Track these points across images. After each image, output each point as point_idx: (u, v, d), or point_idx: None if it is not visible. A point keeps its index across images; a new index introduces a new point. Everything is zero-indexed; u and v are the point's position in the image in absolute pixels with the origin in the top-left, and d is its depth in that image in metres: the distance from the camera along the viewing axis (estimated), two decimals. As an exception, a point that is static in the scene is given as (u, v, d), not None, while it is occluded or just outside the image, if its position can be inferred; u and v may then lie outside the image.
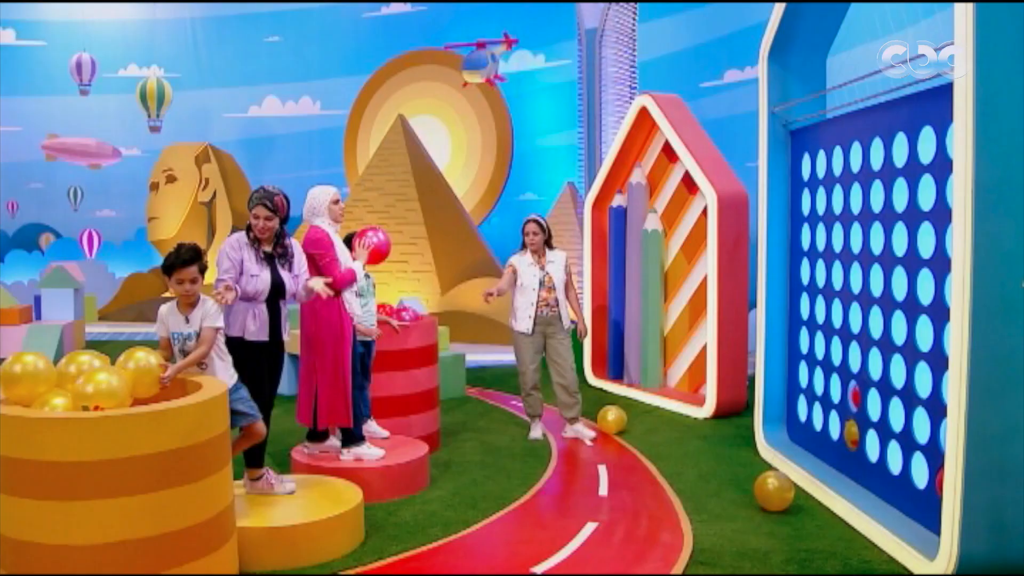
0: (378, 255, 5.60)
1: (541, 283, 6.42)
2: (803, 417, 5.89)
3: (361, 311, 5.47)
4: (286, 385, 6.81)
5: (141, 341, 13.11)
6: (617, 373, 8.69)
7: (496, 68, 10.35)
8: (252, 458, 4.63)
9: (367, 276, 5.72)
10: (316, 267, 5.06)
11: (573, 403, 6.55)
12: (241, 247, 4.57)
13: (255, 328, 4.56)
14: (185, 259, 4.15)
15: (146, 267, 17.14)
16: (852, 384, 5.09)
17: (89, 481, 3.26)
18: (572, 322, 6.68)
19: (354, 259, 5.27)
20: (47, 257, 17.56)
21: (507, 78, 11.77)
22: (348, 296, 5.16)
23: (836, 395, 5.34)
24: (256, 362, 4.59)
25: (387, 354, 5.95)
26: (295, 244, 4.85)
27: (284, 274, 4.69)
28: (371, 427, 5.68)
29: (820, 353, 5.60)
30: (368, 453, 5.24)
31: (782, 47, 5.83)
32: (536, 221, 6.51)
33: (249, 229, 4.65)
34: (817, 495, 5.08)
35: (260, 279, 4.56)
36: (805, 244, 5.82)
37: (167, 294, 15.94)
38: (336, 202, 5.28)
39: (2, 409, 3.43)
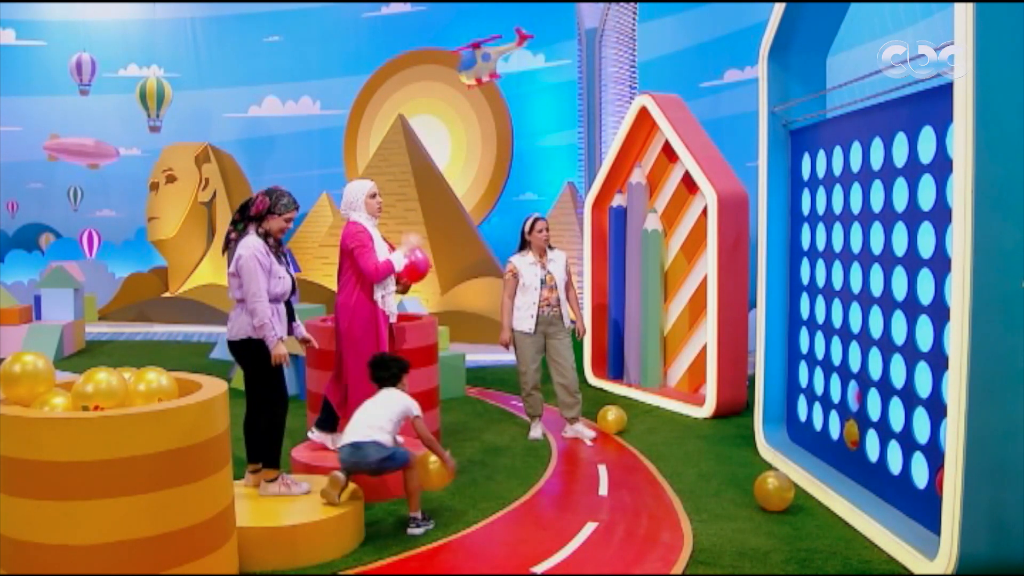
0: (415, 272, 5.55)
1: (543, 282, 6.44)
2: (803, 417, 5.89)
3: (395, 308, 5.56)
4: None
5: (141, 341, 13.16)
6: (617, 373, 8.69)
7: (490, 67, 10.24)
8: (270, 458, 4.65)
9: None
10: (352, 260, 5.17)
11: (574, 403, 6.56)
12: (267, 252, 4.63)
13: (280, 328, 4.67)
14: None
15: (146, 267, 17.14)
16: (854, 386, 5.09)
17: (89, 481, 3.26)
18: (571, 321, 6.69)
19: (392, 253, 5.39)
20: (47, 257, 17.55)
21: (502, 75, 11.73)
22: (382, 293, 5.25)
23: (836, 395, 5.34)
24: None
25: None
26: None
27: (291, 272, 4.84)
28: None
29: (820, 353, 5.60)
30: None
31: (782, 47, 5.83)
32: (543, 218, 6.59)
33: (266, 234, 4.69)
34: (817, 495, 5.08)
35: (285, 281, 4.69)
36: (805, 244, 5.82)
37: (167, 294, 16.01)
38: (373, 196, 5.37)
39: (2, 409, 3.43)
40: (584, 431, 6.59)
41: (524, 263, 6.49)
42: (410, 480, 4.63)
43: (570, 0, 13.42)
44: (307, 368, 6.38)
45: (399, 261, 5.37)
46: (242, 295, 4.56)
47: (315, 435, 5.48)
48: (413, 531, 4.55)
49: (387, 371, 4.79)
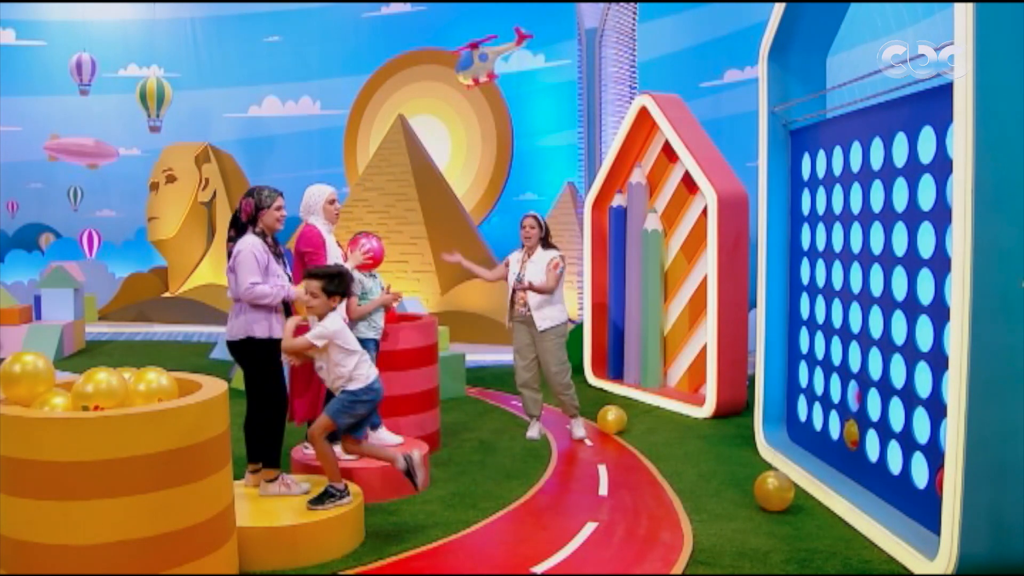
0: (373, 262, 5.62)
1: (519, 281, 6.41)
2: (803, 417, 5.89)
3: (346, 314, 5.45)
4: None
5: (141, 341, 13.15)
6: (617, 373, 8.69)
7: (487, 67, 10.18)
8: (269, 458, 4.65)
9: (373, 276, 5.72)
10: (303, 264, 5.12)
11: (565, 401, 6.54)
12: (265, 250, 4.62)
13: (280, 329, 4.65)
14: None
15: (146, 267, 17.14)
16: (854, 386, 5.09)
17: (89, 481, 3.26)
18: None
19: (344, 261, 5.29)
20: (47, 257, 17.56)
21: (499, 76, 11.72)
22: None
23: (836, 395, 5.34)
24: (278, 359, 4.69)
25: (387, 354, 5.94)
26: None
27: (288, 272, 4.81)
28: (381, 435, 5.59)
29: (820, 353, 5.60)
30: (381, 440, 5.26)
31: (782, 47, 5.83)
32: (534, 216, 6.49)
33: (263, 233, 4.67)
34: (817, 495, 5.08)
35: (281, 282, 4.66)
36: (805, 244, 5.82)
37: (167, 294, 16.01)
38: (332, 202, 5.30)
39: (2, 409, 3.43)
40: (576, 429, 6.58)
41: (515, 258, 6.49)
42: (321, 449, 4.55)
43: (570, 0, 13.41)
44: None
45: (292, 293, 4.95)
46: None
47: (309, 450, 5.44)
48: (336, 503, 4.39)
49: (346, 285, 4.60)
